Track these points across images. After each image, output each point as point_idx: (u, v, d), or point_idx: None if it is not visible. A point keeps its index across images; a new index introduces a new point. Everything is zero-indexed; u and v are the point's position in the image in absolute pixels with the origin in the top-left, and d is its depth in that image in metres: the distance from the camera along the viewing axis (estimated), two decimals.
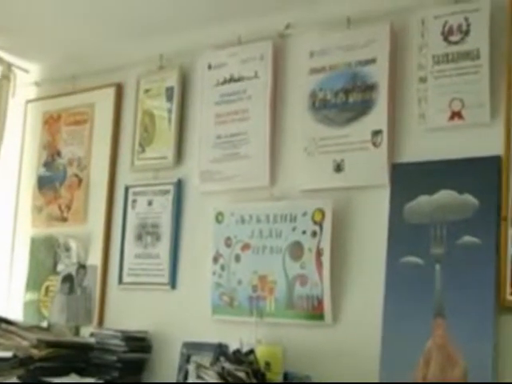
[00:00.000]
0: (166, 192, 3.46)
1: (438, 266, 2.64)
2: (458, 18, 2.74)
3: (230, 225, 3.18)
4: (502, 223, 2.56)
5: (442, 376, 2.56)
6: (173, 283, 3.37)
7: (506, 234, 2.55)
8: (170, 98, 3.49)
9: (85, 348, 3.29)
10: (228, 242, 3.17)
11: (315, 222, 2.92)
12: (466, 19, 2.72)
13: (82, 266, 3.66)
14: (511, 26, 2.64)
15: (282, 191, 3.10)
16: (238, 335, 2.86)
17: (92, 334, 3.38)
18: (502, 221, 2.56)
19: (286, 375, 2.79)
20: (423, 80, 2.80)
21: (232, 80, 3.29)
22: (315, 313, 2.90)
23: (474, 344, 2.51)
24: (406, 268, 2.70)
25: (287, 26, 3.17)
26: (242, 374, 2.61)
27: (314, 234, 2.92)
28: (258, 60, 3.21)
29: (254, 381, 2.62)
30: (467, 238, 2.61)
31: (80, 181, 3.80)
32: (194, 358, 2.96)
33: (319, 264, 2.90)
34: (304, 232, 2.95)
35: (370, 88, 2.90)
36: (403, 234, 2.74)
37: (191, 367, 2.79)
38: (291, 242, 2.98)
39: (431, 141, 2.78)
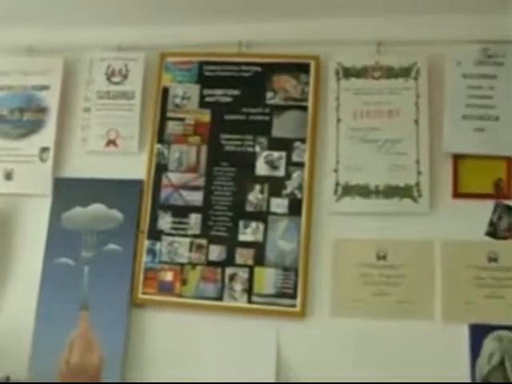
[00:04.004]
0: None
1: (86, 268, 3.02)
2: (120, 64, 3.20)
3: None
4: (140, 235, 3.04)
5: (82, 360, 2.94)
6: None
7: (143, 244, 3.03)
8: None
9: None
10: None
11: None
12: (126, 65, 3.20)
13: None
14: (159, 77, 3.17)
15: None
16: None
17: None
18: (140, 233, 3.04)
19: None
20: (87, 110, 3.23)
21: None
22: None
23: (110, 333, 2.93)
24: (60, 268, 3.05)
25: None
26: None
27: None
28: None
29: None
30: (112, 246, 3.03)
31: None
32: None
33: None
34: None
35: (42, 110, 3.24)
36: (59, 239, 3.09)
37: None
38: None
39: (90, 161, 3.18)
